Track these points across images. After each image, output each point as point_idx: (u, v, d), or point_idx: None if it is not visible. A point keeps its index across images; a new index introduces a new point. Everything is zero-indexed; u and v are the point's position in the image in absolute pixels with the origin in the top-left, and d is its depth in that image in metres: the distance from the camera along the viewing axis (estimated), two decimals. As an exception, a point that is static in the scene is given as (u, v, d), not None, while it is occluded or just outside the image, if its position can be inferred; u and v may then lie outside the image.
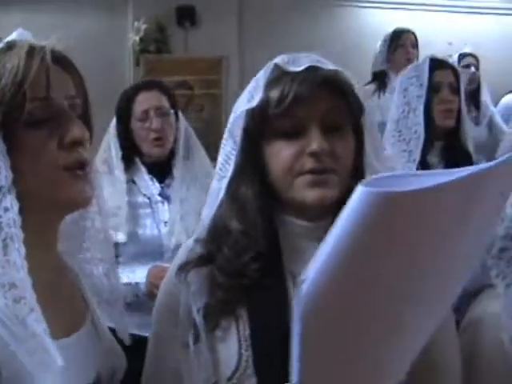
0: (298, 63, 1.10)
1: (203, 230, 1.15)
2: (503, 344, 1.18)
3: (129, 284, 2.10)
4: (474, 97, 4.07)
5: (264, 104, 1.08)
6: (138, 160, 2.30)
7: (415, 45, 3.83)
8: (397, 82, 2.50)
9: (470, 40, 4.65)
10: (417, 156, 2.29)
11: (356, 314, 0.77)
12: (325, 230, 0.91)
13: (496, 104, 4.07)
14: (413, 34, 3.85)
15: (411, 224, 0.67)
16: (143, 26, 4.41)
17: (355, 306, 0.76)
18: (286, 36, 4.59)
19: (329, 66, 1.11)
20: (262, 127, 1.10)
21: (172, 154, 2.30)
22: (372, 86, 3.72)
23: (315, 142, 1.06)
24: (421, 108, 2.31)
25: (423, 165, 2.32)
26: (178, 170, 2.29)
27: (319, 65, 1.09)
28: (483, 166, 0.67)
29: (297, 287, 0.81)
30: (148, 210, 2.25)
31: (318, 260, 0.74)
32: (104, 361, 1.04)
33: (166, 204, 2.26)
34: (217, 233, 1.12)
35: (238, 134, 1.13)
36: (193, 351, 1.06)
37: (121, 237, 2.15)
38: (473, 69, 4.05)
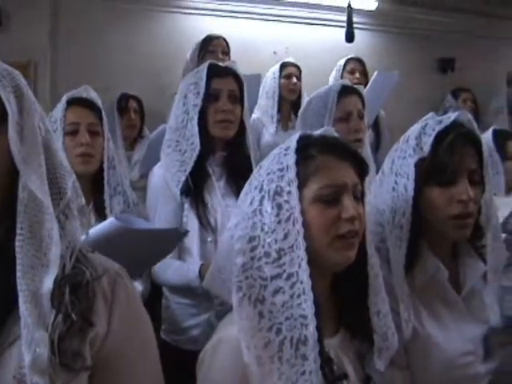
0: None
1: None
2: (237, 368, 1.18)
3: None
4: (294, 107, 4.08)
5: None
6: None
7: (227, 52, 3.73)
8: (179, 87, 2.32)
9: (293, 50, 4.64)
10: (188, 167, 2.14)
11: None
12: None
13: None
14: (224, 40, 3.74)
15: None
16: None
17: None
18: (103, 41, 4.35)
19: None
20: None
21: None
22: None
23: None
24: (196, 118, 2.17)
25: (202, 174, 2.20)
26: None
27: None
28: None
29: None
30: None
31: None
32: None
33: None
34: None
35: None
36: None
37: None
38: (294, 79, 4.04)
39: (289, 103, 4.05)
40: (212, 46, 3.66)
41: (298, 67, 4.11)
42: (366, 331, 1.33)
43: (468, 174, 1.49)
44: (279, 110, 3.94)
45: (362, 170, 1.33)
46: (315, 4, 5.03)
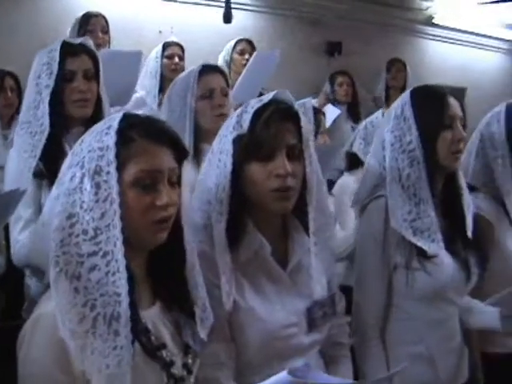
0: None
1: None
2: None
3: None
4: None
5: None
6: None
7: (106, 30, 3.66)
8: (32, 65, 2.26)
9: (179, 29, 4.62)
10: (38, 152, 2.12)
11: None
12: None
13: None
14: (103, 18, 3.67)
15: None
16: None
17: None
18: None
19: None
20: None
21: None
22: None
23: None
24: (47, 99, 2.13)
25: (57, 153, 2.12)
26: None
27: None
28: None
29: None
30: None
31: None
32: None
33: None
34: None
35: None
36: None
37: None
38: (177, 59, 4.05)
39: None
40: (91, 25, 3.58)
41: (181, 46, 4.12)
42: (182, 303, 1.38)
43: (286, 149, 1.52)
44: (162, 90, 3.91)
45: (181, 154, 1.36)
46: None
